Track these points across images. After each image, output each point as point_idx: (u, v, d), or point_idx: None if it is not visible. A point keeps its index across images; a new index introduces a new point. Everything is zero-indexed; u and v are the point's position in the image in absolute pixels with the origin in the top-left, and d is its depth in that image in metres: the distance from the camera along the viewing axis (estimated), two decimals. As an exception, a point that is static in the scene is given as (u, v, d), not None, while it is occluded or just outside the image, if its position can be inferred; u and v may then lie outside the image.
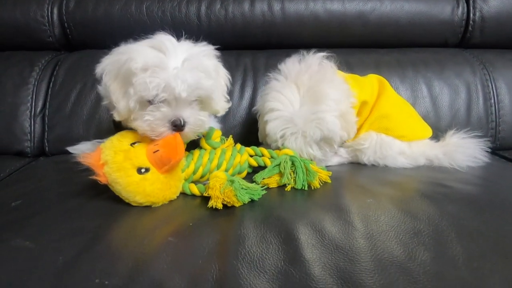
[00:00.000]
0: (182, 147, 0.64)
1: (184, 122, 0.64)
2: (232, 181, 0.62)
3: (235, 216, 0.59)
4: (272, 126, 0.77)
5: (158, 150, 0.62)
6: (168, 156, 0.62)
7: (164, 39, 0.65)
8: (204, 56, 0.67)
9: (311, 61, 0.84)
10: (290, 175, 0.70)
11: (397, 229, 0.53)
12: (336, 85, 0.80)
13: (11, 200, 0.65)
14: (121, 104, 0.64)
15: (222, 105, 0.72)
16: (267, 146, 0.81)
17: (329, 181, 0.72)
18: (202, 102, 0.68)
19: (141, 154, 0.63)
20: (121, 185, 0.60)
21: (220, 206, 0.60)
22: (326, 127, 0.75)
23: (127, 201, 0.62)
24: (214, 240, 0.51)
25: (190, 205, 0.65)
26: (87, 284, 0.43)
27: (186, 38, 0.70)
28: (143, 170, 0.62)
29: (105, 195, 0.65)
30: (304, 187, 0.69)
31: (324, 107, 0.76)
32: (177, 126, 0.64)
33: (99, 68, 0.67)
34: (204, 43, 0.71)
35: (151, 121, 0.63)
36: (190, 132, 0.66)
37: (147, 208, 0.63)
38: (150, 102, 0.63)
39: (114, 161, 0.61)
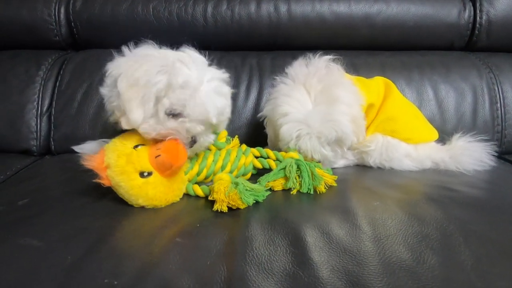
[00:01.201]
0: (184, 152, 0.64)
1: (196, 140, 0.66)
2: (236, 184, 0.62)
3: (242, 217, 0.59)
4: (286, 129, 0.77)
5: (160, 155, 0.62)
6: (170, 161, 0.62)
7: (193, 56, 0.66)
8: (222, 81, 0.69)
9: (318, 64, 0.84)
10: (296, 179, 0.70)
11: (405, 232, 0.53)
12: (348, 89, 0.80)
13: (18, 199, 0.66)
14: (135, 113, 0.62)
15: (229, 115, 0.73)
16: (279, 150, 0.81)
17: (334, 184, 0.72)
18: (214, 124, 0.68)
19: (143, 158, 0.63)
20: (124, 189, 0.61)
21: (225, 209, 0.60)
22: (341, 129, 0.75)
23: (130, 203, 0.63)
24: (221, 241, 0.51)
25: (196, 206, 0.65)
26: (96, 283, 0.43)
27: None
28: (145, 174, 0.62)
29: (111, 195, 0.65)
30: (310, 191, 0.69)
31: (339, 110, 0.76)
32: (191, 142, 0.66)
33: (115, 71, 0.64)
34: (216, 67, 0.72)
35: (174, 129, 0.64)
36: (194, 150, 0.68)
37: (154, 208, 0.63)
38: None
39: (117, 165, 0.60)
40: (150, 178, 0.62)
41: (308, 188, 0.69)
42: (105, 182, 0.61)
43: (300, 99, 0.78)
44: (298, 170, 0.71)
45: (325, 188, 0.70)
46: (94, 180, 0.61)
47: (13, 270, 0.46)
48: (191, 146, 0.66)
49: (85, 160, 0.62)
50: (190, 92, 0.62)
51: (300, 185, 0.69)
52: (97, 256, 0.48)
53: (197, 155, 0.72)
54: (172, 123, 0.64)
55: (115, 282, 0.43)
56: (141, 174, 0.62)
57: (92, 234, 0.53)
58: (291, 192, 0.69)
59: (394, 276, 0.44)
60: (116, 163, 0.61)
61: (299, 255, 0.48)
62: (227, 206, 0.61)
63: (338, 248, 0.49)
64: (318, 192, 0.69)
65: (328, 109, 0.76)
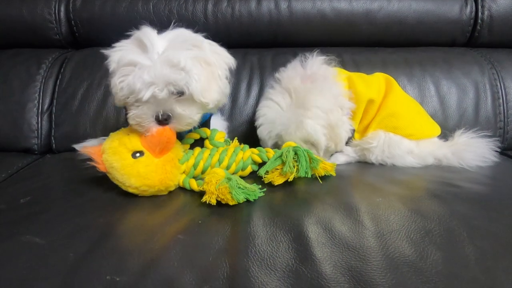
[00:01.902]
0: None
1: (168, 116, 0.64)
2: (229, 179, 0.61)
3: (244, 214, 0.58)
4: (261, 130, 0.81)
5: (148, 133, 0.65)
6: (158, 135, 0.64)
7: (141, 34, 0.64)
8: (183, 48, 0.64)
9: (313, 65, 0.84)
10: (293, 164, 0.68)
11: (408, 228, 0.52)
12: (328, 93, 0.80)
13: (20, 197, 0.66)
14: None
15: (212, 97, 0.67)
16: None
17: (333, 173, 0.72)
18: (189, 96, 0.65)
19: (135, 139, 0.66)
20: (117, 169, 0.63)
21: (213, 202, 0.60)
22: (306, 130, 0.76)
23: (124, 187, 0.64)
24: (223, 238, 0.51)
25: (197, 202, 0.64)
26: (98, 280, 0.43)
27: (176, 26, 0.69)
28: (137, 155, 0.65)
29: (112, 192, 0.66)
30: (308, 175, 0.68)
31: (307, 113, 0.77)
32: (161, 121, 0.64)
33: None
34: (196, 34, 0.69)
35: (136, 116, 0.64)
36: (177, 125, 0.67)
37: (155, 204, 0.63)
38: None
39: (110, 147, 0.65)
40: (142, 158, 0.65)
41: (305, 172, 0.68)
42: (100, 167, 0.64)
43: (279, 101, 0.80)
44: (295, 156, 0.70)
45: (324, 172, 0.70)
46: (89, 163, 0.65)
47: (16, 268, 0.46)
48: (162, 124, 0.64)
49: (84, 147, 0.66)
50: (119, 75, 0.61)
51: (298, 170, 0.68)
52: (99, 253, 0.48)
53: (194, 150, 0.73)
54: (134, 107, 0.64)
55: (117, 279, 0.43)
56: (133, 155, 0.65)
57: (94, 231, 0.53)
58: (289, 179, 0.68)
59: (398, 271, 0.43)
60: (110, 145, 0.65)
61: (302, 251, 0.48)
62: (217, 200, 0.60)
63: (341, 244, 0.49)
64: (317, 175, 0.70)
65: (297, 111, 0.77)
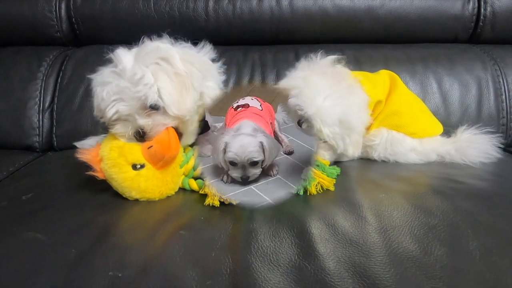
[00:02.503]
0: (176, 142, 0.64)
1: (143, 131, 0.63)
2: None
3: (246, 210, 0.58)
4: (310, 92, 0.75)
5: (152, 146, 0.63)
6: (162, 152, 0.62)
7: (113, 55, 0.65)
8: (149, 63, 0.63)
9: (320, 65, 0.83)
10: None
11: (411, 224, 0.52)
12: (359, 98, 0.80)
13: (21, 194, 0.66)
14: None
15: (187, 108, 0.64)
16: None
17: (332, 188, 0.65)
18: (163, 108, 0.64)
19: (136, 150, 0.63)
20: (117, 181, 0.61)
21: (217, 203, 0.59)
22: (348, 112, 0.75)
23: (124, 196, 0.63)
24: (226, 234, 0.51)
25: (200, 199, 0.64)
26: (100, 276, 0.43)
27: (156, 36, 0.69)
28: (138, 166, 0.62)
29: (113, 189, 0.65)
30: (300, 192, 0.64)
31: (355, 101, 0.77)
32: (138, 136, 0.64)
33: None
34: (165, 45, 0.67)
35: (116, 134, 0.65)
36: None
37: (157, 201, 0.63)
38: None
39: (109, 158, 0.62)
40: (143, 171, 0.62)
41: (297, 189, 0.65)
42: (99, 175, 0.62)
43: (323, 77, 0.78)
44: None
45: (318, 191, 0.64)
46: (88, 173, 0.62)
47: (18, 264, 0.46)
48: (143, 139, 0.64)
49: (80, 153, 0.63)
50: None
51: None
52: (102, 249, 0.48)
53: (194, 149, 0.72)
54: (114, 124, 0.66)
55: (120, 275, 0.43)
56: (134, 167, 0.62)
57: (96, 227, 0.53)
58: None
59: (402, 266, 0.43)
60: (108, 155, 0.62)
61: (305, 247, 0.47)
62: (220, 201, 0.60)
63: (344, 239, 0.49)
64: (308, 194, 0.64)
65: (344, 98, 0.76)
